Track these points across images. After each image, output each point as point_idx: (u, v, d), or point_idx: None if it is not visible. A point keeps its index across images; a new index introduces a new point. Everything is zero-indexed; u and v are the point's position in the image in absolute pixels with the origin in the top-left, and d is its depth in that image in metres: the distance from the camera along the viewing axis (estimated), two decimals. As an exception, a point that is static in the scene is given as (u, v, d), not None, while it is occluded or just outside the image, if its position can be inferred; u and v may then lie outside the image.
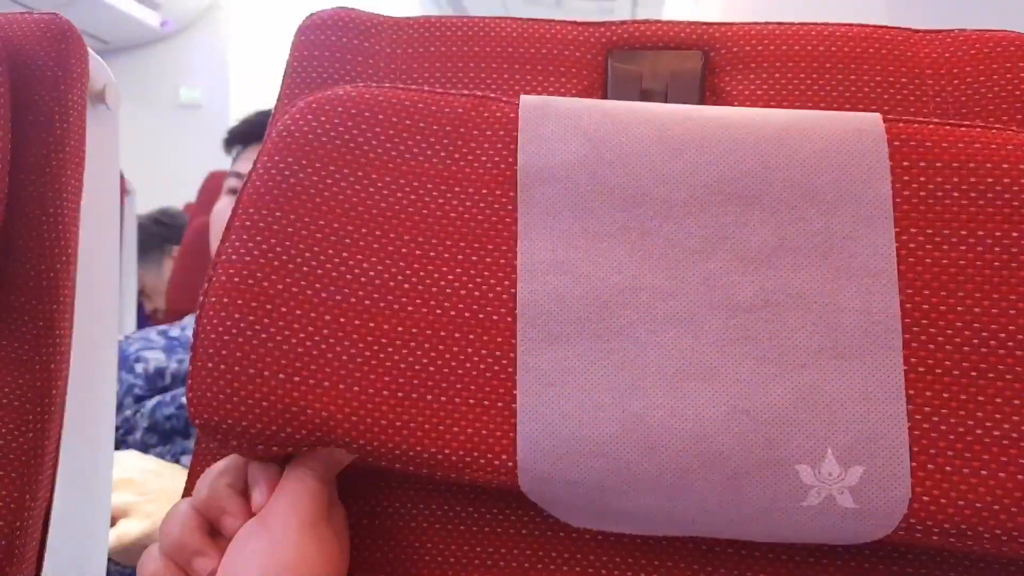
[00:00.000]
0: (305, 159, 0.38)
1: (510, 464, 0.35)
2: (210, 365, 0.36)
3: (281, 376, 0.36)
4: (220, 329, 0.36)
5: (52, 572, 0.48)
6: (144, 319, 1.82)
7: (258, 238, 0.37)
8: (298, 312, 0.36)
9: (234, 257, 0.37)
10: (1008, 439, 0.34)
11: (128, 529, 0.73)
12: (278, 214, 0.37)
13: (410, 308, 0.37)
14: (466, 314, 0.36)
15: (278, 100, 0.47)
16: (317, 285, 0.37)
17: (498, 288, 0.37)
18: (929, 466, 0.34)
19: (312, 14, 0.47)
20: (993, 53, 0.45)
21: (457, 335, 0.36)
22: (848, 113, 0.38)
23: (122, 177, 1.48)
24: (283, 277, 0.37)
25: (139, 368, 1.04)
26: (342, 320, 0.36)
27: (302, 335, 0.36)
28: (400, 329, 0.36)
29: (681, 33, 0.46)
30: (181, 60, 3.57)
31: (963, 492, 0.34)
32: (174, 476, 0.81)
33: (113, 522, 0.73)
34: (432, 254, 0.37)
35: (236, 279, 0.36)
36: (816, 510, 0.34)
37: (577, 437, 0.35)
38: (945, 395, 0.35)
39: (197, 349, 0.36)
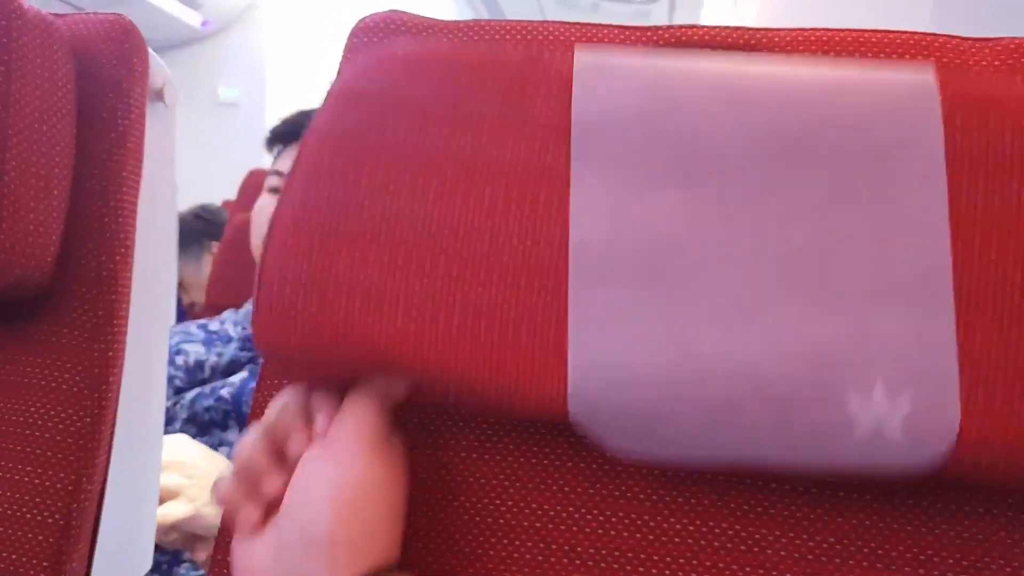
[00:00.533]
0: (365, 112, 0.39)
1: (560, 392, 0.36)
2: (276, 292, 0.37)
3: (344, 305, 0.37)
4: (285, 262, 0.37)
5: (103, 551, 0.50)
6: (182, 312, 1.86)
7: (322, 182, 0.38)
8: (358, 251, 0.37)
9: (297, 200, 0.38)
10: None
11: (171, 511, 0.75)
12: (339, 162, 0.38)
13: (464, 252, 0.37)
14: (519, 258, 0.37)
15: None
16: (377, 227, 0.38)
17: (551, 234, 0.37)
18: (981, 401, 0.34)
19: (365, 17, 0.48)
20: (1044, 61, 0.45)
21: (510, 278, 0.37)
22: (902, 66, 0.39)
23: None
24: (345, 219, 0.38)
25: (179, 360, 1.07)
26: (399, 261, 0.37)
27: (364, 271, 0.37)
28: (455, 270, 0.37)
29: (728, 37, 0.46)
30: (220, 59, 3.63)
31: (1014, 429, 0.34)
32: (220, 463, 0.83)
33: (160, 502, 0.75)
34: (488, 202, 0.38)
35: (301, 218, 0.38)
36: (865, 440, 0.35)
37: (628, 364, 0.36)
38: (998, 335, 0.35)
39: (263, 278, 0.38)
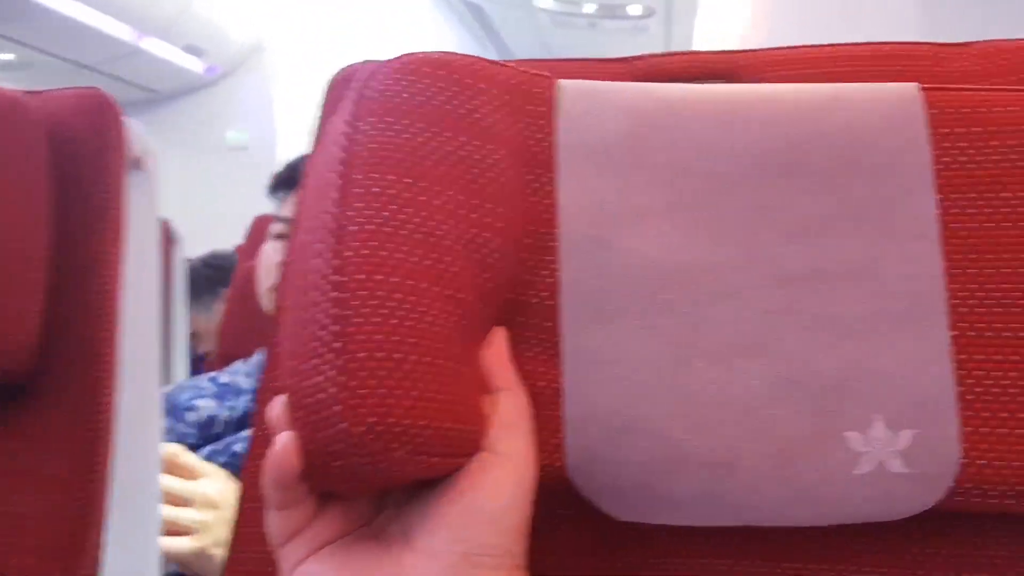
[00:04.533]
0: (404, 116, 0.35)
1: (556, 444, 0.35)
2: (380, 354, 0.30)
3: (446, 362, 0.32)
4: (380, 311, 0.31)
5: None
6: (196, 362, 1.86)
7: (380, 204, 0.33)
8: (424, 285, 0.32)
9: (370, 227, 0.32)
10: None
11: (176, 544, 0.76)
12: (391, 177, 0.33)
13: (464, 276, 0.34)
14: (508, 292, 0.35)
15: (312, 148, 0.48)
16: (424, 250, 0.33)
17: (541, 264, 0.36)
18: (982, 429, 0.34)
19: (344, 68, 0.48)
20: (1027, 63, 0.44)
21: (466, 307, 0.34)
22: (883, 84, 0.38)
23: (168, 226, 1.53)
24: (415, 248, 0.33)
25: (191, 417, 1.06)
26: (424, 285, 0.33)
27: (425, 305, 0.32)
28: (456, 299, 0.33)
29: (706, 63, 0.45)
30: (227, 103, 3.68)
31: (1018, 453, 0.33)
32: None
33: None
34: (488, 219, 0.35)
35: (380, 253, 0.32)
36: (867, 478, 0.34)
37: (625, 417, 0.34)
38: (997, 357, 0.34)
39: (352, 336, 0.30)
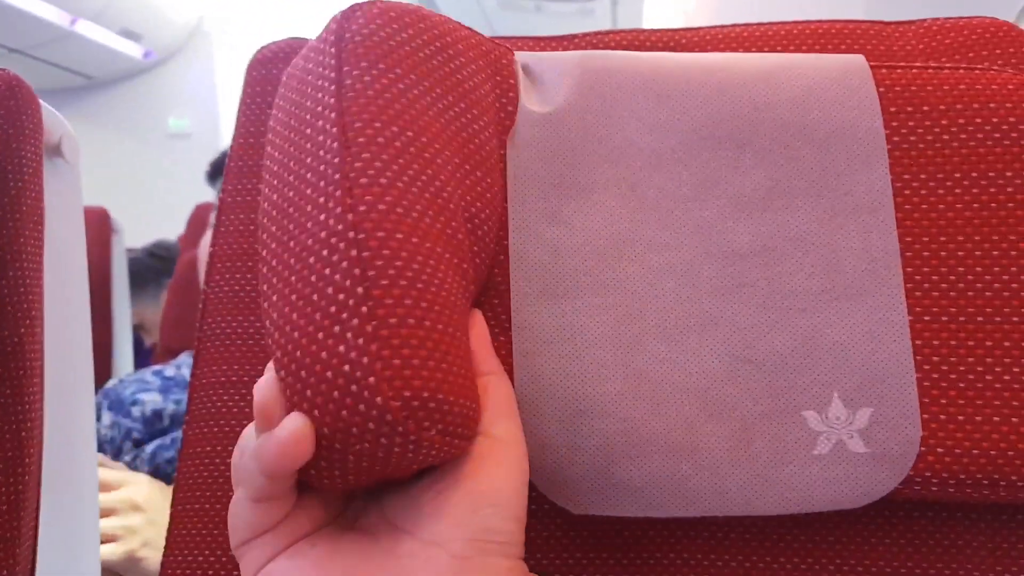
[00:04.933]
0: (400, 65, 0.31)
1: None
2: (411, 321, 0.27)
3: (457, 332, 0.29)
4: (406, 273, 0.27)
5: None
6: (144, 354, 1.81)
7: (389, 155, 0.29)
8: (439, 248, 0.29)
9: (383, 180, 0.28)
10: (1019, 383, 0.33)
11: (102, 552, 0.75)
12: (395, 128, 0.30)
13: (438, 226, 0.30)
14: (473, 249, 0.32)
15: (234, 139, 0.46)
16: (422, 206, 0.29)
17: (493, 227, 0.34)
18: (942, 417, 0.33)
19: (262, 48, 0.46)
20: (969, 41, 0.43)
21: (465, 278, 0.31)
22: (831, 55, 0.37)
23: (107, 216, 1.48)
24: (427, 208, 0.29)
25: (136, 411, 1.03)
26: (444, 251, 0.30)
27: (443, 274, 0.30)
28: (462, 269, 0.31)
29: (647, 41, 0.44)
30: (169, 89, 3.57)
31: (977, 441, 0.33)
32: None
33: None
34: (479, 188, 0.33)
35: (397, 210, 0.28)
36: (827, 459, 0.33)
37: (582, 397, 0.33)
38: (952, 342, 0.34)
39: (380, 299, 0.27)
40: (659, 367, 0.34)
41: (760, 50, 0.43)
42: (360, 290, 0.26)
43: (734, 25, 0.44)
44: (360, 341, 0.26)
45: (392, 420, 0.26)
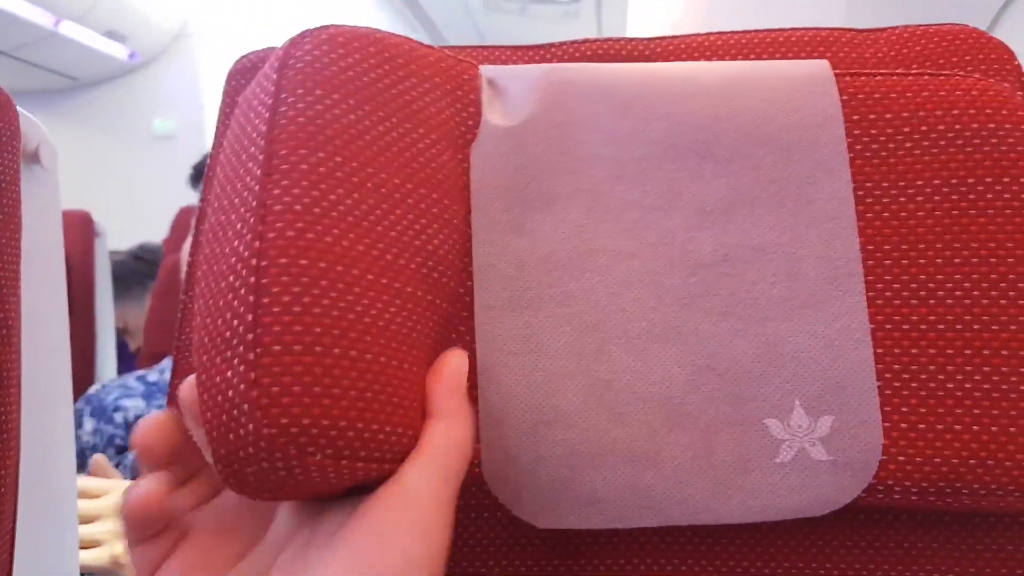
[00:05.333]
0: (338, 92, 0.32)
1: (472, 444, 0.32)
2: (298, 348, 0.27)
3: (380, 357, 0.29)
4: (302, 300, 0.28)
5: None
6: (128, 359, 1.81)
7: (309, 182, 0.30)
8: (356, 271, 0.29)
9: (297, 207, 0.29)
10: (980, 391, 0.33)
11: (85, 558, 0.75)
12: (321, 155, 0.30)
13: (388, 257, 0.31)
14: (420, 274, 0.32)
15: (214, 148, 0.46)
16: (355, 235, 0.30)
17: (452, 250, 0.34)
18: (903, 425, 0.34)
19: (241, 58, 0.46)
20: (939, 47, 0.44)
21: (413, 302, 0.31)
22: (796, 61, 0.38)
23: (90, 219, 1.47)
24: (347, 232, 0.30)
25: (118, 417, 1.03)
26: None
27: (379, 303, 0.30)
28: (399, 291, 0.31)
29: (621, 51, 0.45)
30: (153, 91, 3.56)
31: (939, 449, 0.33)
32: None
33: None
34: (423, 205, 0.33)
35: (308, 235, 0.29)
36: (790, 466, 0.34)
37: (545, 408, 0.33)
38: (913, 350, 0.34)
39: (268, 326, 0.27)
40: (622, 376, 0.34)
41: (734, 58, 0.44)
42: (250, 317, 0.27)
43: (708, 33, 0.45)
44: (242, 368, 0.27)
45: (267, 447, 0.27)
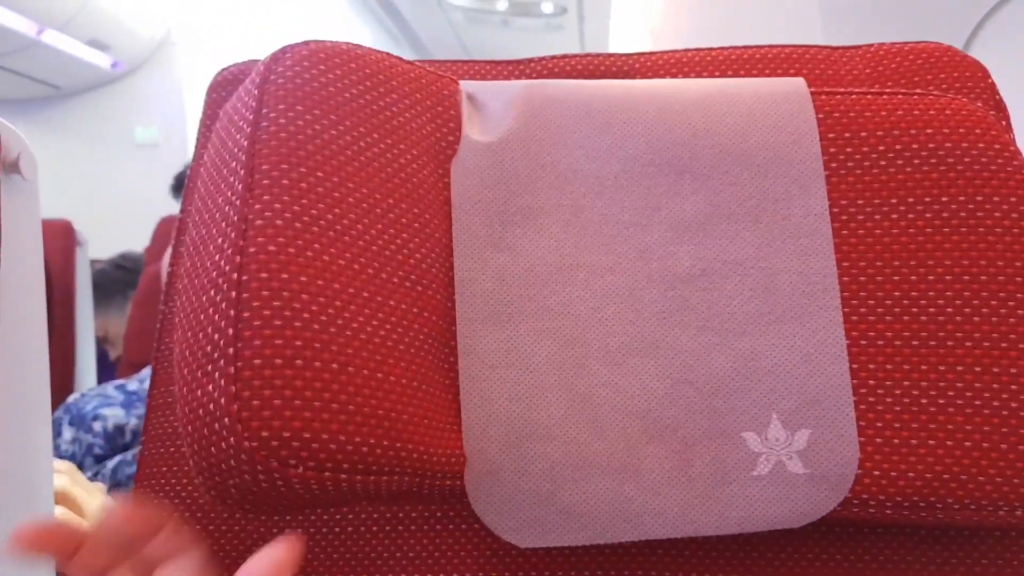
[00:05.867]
0: (319, 108, 0.33)
1: (457, 456, 0.33)
2: (278, 361, 0.28)
3: (363, 370, 0.30)
4: (283, 313, 0.28)
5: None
6: (109, 368, 1.79)
7: (290, 197, 0.30)
8: (337, 285, 0.30)
9: (278, 222, 0.30)
10: (953, 406, 0.34)
11: None
12: (303, 170, 0.31)
13: (370, 270, 0.31)
14: (403, 288, 0.33)
15: (194, 159, 0.46)
16: (335, 250, 0.31)
17: (437, 270, 0.35)
18: (878, 440, 0.34)
19: (222, 70, 0.46)
20: (915, 65, 0.45)
21: (397, 315, 0.32)
22: (773, 78, 0.39)
23: (71, 228, 1.46)
24: (329, 247, 0.30)
25: (97, 427, 1.02)
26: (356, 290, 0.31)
27: (362, 318, 0.30)
28: (382, 304, 0.31)
29: (600, 66, 0.45)
30: (136, 100, 3.54)
31: (912, 464, 0.34)
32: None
33: None
34: (404, 219, 0.34)
35: (289, 250, 0.29)
36: (767, 479, 0.34)
37: (527, 420, 0.34)
38: (888, 367, 0.34)
39: (248, 340, 0.28)
40: (601, 390, 0.34)
41: (711, 74, 0.44)
42: (231, 331, 0.28)
43: (686, 50, 0.45)
44: (223, 382, 0.28)
45: (248, 459, 0.27)
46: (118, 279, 1.94)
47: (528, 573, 0.38)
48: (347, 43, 0.35)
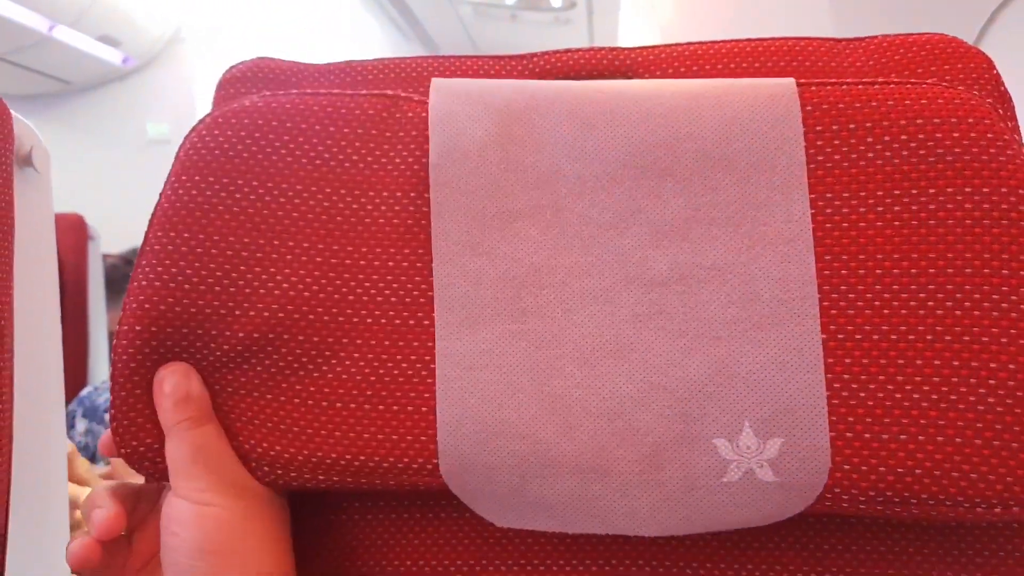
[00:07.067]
0: (213, 175, 0.37)
1: (431, 447, 0.35)
2: (131, 388, 0.37)
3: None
4: (137, 356, 0.36)
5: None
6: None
7: (172, 260, 0.36)
8: (215, 332, 0.36)
9: (145, 283, 0.37)
10: (928, 401, 0.33)
11: None
12: (186, 235, 0.36)
13: (326, 318, 0.36)
14: (384, 319, 0.36)
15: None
16: (232, 304, 0.36)
17: (415, 282, 0.36)
18: (848, 435, 0.33)
19: (232, 67, 0.47)
20: (918, 57, 0.45)
21: (373, 342, 0.36)
22: (762, 79, 0.38)
23: (83, 222, 1.47)
24: (197, 299, 0.36)
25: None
26: (261, 335, 0.36)
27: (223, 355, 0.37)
28: (316, 339, 0.36)
29: (603, 60, 0.45)
30: (147, 95, 3.55)
31: (883, 459, 0.33)
32: None
33: None
34: (348, 261, 0.36)
35: (152, 304, 0.36)
36: (736, 486, 0.34)
37: (497, 420, 0.35)
38: (864, 361, 0.34)
39: (115, 375, 0.37)
40: (573, 391, 0.34)
41: (714, 67, 0.45)
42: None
43: (690, 43, 0.46)
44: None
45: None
46: (129, 274, 1.95)
47: (507, 547, 0.39)
48: (296, 94, 0.38)
